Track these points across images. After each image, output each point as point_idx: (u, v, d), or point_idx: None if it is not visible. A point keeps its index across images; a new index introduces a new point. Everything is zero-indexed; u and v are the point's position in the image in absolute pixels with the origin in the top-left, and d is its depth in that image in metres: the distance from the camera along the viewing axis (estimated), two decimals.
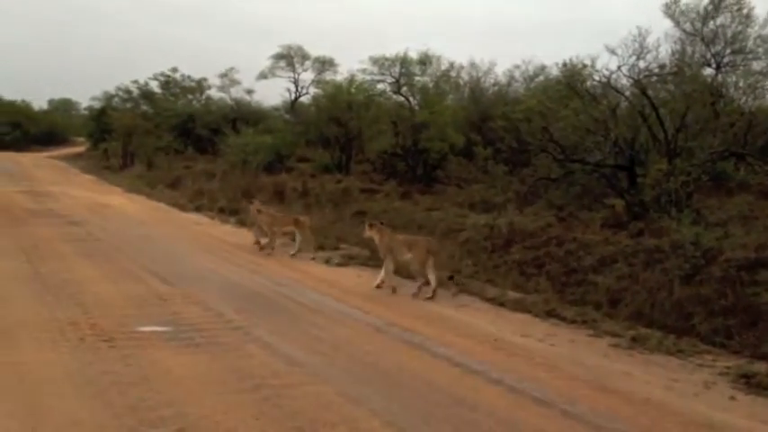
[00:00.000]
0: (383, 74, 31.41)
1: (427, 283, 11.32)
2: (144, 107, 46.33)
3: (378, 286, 11.61)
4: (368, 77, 31.28)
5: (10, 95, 70.40)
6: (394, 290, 11.46)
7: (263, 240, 15.18)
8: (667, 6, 23.49)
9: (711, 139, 15.50)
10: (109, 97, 50.40)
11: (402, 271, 12.10)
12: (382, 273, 11.70)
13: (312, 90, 43.04)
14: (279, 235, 15.26)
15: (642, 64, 16.47)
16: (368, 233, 12.13)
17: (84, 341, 8.09)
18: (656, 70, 17.37)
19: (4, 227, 17.20)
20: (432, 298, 11.02)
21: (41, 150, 58.03)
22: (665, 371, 7.69)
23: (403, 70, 31.27)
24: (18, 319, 8.96)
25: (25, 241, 15.02)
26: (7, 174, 34.63)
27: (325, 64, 45.06)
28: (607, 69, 16.99)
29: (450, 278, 11.62)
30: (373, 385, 6.96)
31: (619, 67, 16.47)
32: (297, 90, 46.54)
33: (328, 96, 30.40)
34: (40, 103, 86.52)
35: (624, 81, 16.99)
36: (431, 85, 30.88)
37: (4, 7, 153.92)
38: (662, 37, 24.13)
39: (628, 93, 17.21)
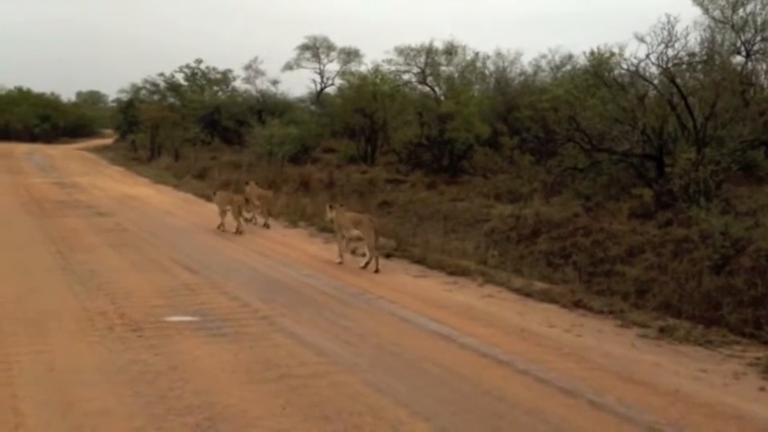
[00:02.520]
0: (408, 64, 31.37)
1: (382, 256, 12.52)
2: (171, 99, 46.65)
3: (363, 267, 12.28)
4: (393, 68, 31.28)
5: (39, 88, 71.38)
6: (341, 263, 12.68)
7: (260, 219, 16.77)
8: None
9: (741, 127, 15.32)
10: (136, 90, 50.87)
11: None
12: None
13: (337, 81, 43.21)
14: (239, 213, 16.16)
15: (671, 52, 16.33)
16: (329, 215, 13.40)
17: (113, 331, 8.19)
18: (686, 58, 17.18)
19: (35, 218, 17.43)
20: (365, 267, 12.28)
21: (70, 142, 58.63)
22: (694, 361, 7.61)
23: (428, 60, 31.16)
24: (48, 308, 9.08)
25: (54, 232, 15.20)
26: (37, 166, 35.08)
27: (350, 55, 45.19)
28: (635, 58, 16.88)
29: (388, 256, 12.92)
30: (399, 375, 6.96)
31: (647, 56, 16.35)
32: (322, 81, 46.78)
33: (354, 87, 30.50)
34: (68, 95, 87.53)
35: (653, 69, 16.85)
36: (456, 75, 30.76)
37: (35, 2, 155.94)
38: (691, 25, 23.75)
39: (656, 81, 17.05)
